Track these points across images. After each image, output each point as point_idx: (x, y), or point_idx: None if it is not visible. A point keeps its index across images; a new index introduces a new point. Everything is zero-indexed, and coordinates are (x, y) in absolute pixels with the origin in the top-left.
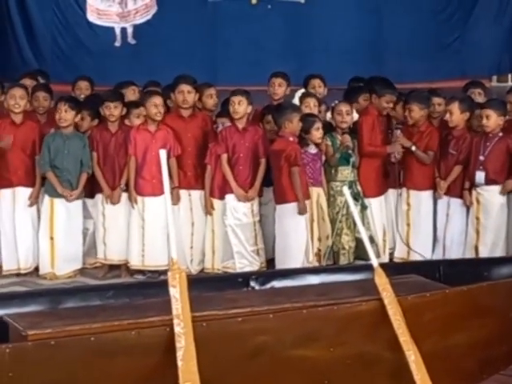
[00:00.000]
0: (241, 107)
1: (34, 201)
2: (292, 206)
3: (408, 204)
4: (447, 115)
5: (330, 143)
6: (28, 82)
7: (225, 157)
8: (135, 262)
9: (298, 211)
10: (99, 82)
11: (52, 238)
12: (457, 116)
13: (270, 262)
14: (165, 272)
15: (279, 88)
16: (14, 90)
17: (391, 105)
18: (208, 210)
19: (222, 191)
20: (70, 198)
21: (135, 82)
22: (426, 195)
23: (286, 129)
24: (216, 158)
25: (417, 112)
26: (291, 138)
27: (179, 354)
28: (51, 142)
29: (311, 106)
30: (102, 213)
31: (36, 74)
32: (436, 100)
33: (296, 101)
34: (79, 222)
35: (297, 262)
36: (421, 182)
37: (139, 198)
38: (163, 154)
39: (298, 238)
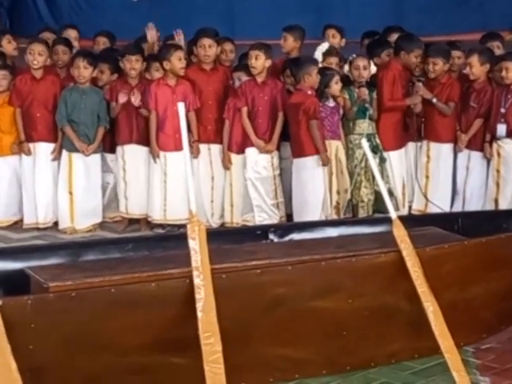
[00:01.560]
0: (258, 62)
1: (57, 156)
2: (309, 160)
3: (428, 156)
4: (467, 68)
5: (347, 97)
6: (48, 35)
7: (245, 110)
8: (157, 216)
9: (322, 163)
10: (117, 37)
11: (71, 193)
12: (477, 68)
13: (290, 216)
14: (184, 226)
15: (284, 42)
16: (33, 45)
17: (419, 59)
18: (226, 164)
19: (241, 145)
20: (87, 153)
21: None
22: (447, 148)
23: (305, 82)
24: (234, 112)
25: (440, 66)
26: (309, 92)
27: (199, 305)
28: (68, 96)
29: (334, 66)
30: (122, 167)
31: (61, 29)
32: (455, 53)
33: (318, 55)
34: (98, 177)
35: (314, 216)
36: (442, 134)
37: (161, 153)
38: (181, 107)
39: (315, 191)
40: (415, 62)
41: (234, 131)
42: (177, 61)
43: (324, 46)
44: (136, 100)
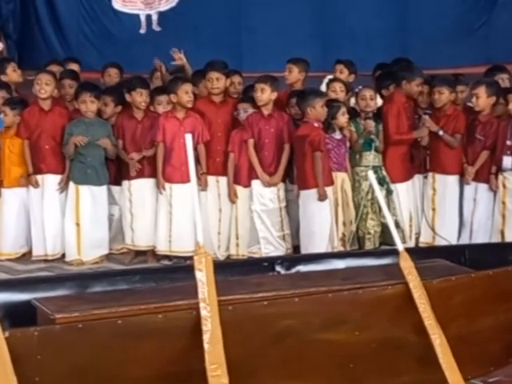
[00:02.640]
0: (264, 95)
1: (64, 187)
2: (315, 192)
3: (433, 188)
4: (473, 99)
5: (354, 129)
6: (55, 68)
7: (251, 142)
8: (162, 248)
9: (318, 197)
10: (125, 70)
11: (78, 225)
12: (483, 100)
13: (296, 248)
14: (191, 258)
15: (289, 74)
16: (40, 75)
17: (420, 88)
18: (231, 197)
19: (247, 178)
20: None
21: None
22: (453, 180)
23: (310, 115)
24: (240, 144)
25: (446, 95)
26: (316, 124)
27: (205, 337)
28: (74, 129)
29: (337, 91)
30: (128, 199)
31: (63, 61)
32: (459, 87)
33: (324, 87)
34: (104, 208)
35: (321, 248)
36: (448, 165)
37: (167, 185)
38: (189, 138)
39: (322, 223)
40: (417, 90)
41: (240, 164)
42: (184, 94)
43: (328, 77)
44: (148, 153)
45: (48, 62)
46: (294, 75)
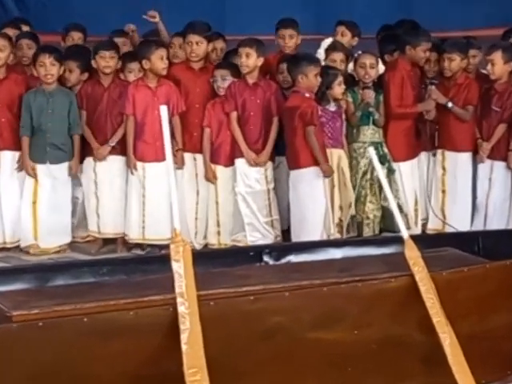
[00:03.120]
0: (249, 60)
1: (22, 166)
2: (308, 172)
3: (443, 168)
4: (488, 66)
5: (350, 100)
6: (10, 32)
7: (234, 115)
8: (134, 235)
9: (324, 174)
10: (90, 32)
11: (35, 203)
12: (500, 67)
13: (286, 233)
14: (166, 247)
15: (290, 40)
16: None
17: (428, 54)
18: (209, 178)
19: (229, 156)
20: (73, 172)
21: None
22: (465, 158)
23: (300, 83)
24: (218, 118)
25: (457, 62)
26: (307, 94)
27: (183, 337)
28: (32, 101)
29: (338, 62)
30: (93, 180)
31: (18, 23)
32: (471, 52)
33: (321, 52)
34: (67, 190)
35: (314, 235)
36: (459, 142)
37: (139, 164)
38: (164, 110)
39: (315, 207)
40: (423, 57)
41: (219, 140)
42: (158, 60)
43: (327, 42)
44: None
45: (2, 24)
46: (295, 41)
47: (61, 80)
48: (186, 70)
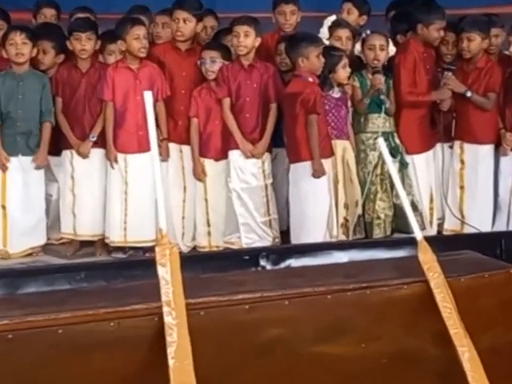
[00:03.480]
0: (248, 39)
1: None
2: (309, 165)
3: (462, 161)
4: (511, 47)
5: (358, 84)
6: None
7: (227, 101)
8: (115, 238)
9: (314, 173)
10: (65, 9)
11: (4, 207)
12: None
13: (285, 235)
14: (151, 249)
15: (292, 17)
16: None
17: (442, 33)
18: (198, 174)
19: (222, 148)
20: (38, 164)
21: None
22: (486, 150)
23: (301, 67)
24: (206, 106)
25: (478, 42)
26: (310, 79)
27: (170, 351)
28: (0, 85)
29: (343, 40)
30: (70, 175)
31: None
32: (493, 31)
33: (325, 31)
34: (40, 186)
35: (317, 236)
36: (479, 133)
37: (120, 156)
38: (149, 96)
39: (318, 205)
40: (437, 37)
41: (209, 131)
42: (134, 41)
43: (330, 20)
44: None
45: None
46: (296, 18)
47: (33, 63)
48: (170, 51)
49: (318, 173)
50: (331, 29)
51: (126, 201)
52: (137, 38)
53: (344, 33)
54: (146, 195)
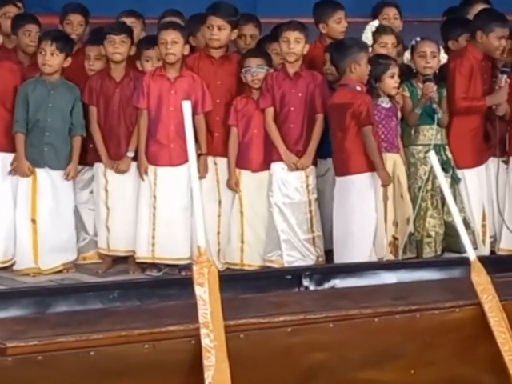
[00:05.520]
0: (298, 46)
1: (17, 168)
2: (358, 179)
3: None
4: None
5: (408, 94)
6: (12, 9)
7: (271, 111)
8: (142, 253)
9: (382, 182)
10: (96, 14)
11: (34, 221)
12: None
13: (329, 254)
14: (187, 267)
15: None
16: None
17: (503, 42)
18: (231, 185)
19: (263, 160)
20: (69, 178)
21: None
22: None
23: (351, 74)
24: (246, 115)
25: None
26: (359, 88)
27: (208, 375)
28: (30, 91)
29: (388, 46)
30: (104, 187)
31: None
32: None
33: (369, 37)
34: (69, 200)
35: (362, 255)
36: None
37: (151, 168)
38: (187, 105)
39: (363, 222)
40: (497, 46)
41: (247, 140)
42: (161, 45)
43: (373, 25)
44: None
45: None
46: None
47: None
48: (204, 59)
49: (385, 181)
50: (375, 34)
51: (154, 215)
52: (163, 43)
53: (390, 39)
54: (176, 210)
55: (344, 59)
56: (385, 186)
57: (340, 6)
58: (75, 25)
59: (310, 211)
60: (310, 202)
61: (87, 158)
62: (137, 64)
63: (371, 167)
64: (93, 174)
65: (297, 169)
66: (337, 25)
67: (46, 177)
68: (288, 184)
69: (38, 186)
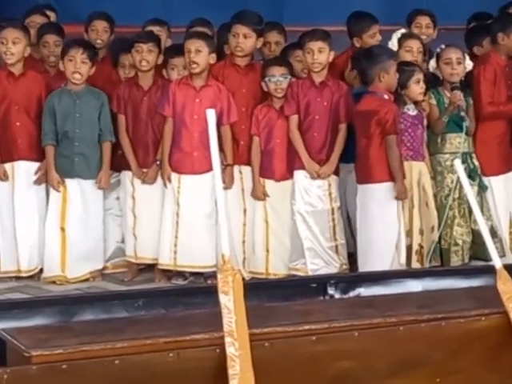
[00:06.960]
0: (322, 56)
1: (43, 178)
2: (380, 187)
3: None
4: None
5: (434, 102)
6: (39, 19)
7: (295, 119)
8: (165, 260)
9: (396, 194)
10: (120, 23)
11: (63, 230)
12: None
13: (353, 262)
14: (213, 275)
15: (376, 36)
16: (7, 31)
17: None
18: (258, 195)
19: (287, 169)
20: (101, 185)
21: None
22: None
23: (380, 83)
24: (268, 124)
25: None
26: (386, 96)
27: (233, 383)
28: (57, 102)
29: (414, 51)
30: (131, 195)
31: (44, 10)
32: None
33: (394, 43)
34: (99, 209)
35: (385, 263)
36: None
37: (174, 176)
38: (211, 114)
39: (385, 231)
40: None
41: (270, 149)
42: (186, 54)
43: (400, 31)
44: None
45: (28, 10)
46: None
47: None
48: (229, 68)
49: (401, 195)
50: (401, 40)
51: (177, 223)
52: (188, 51)
53: (415, 44)
54: (199, 218)
55: (373, 67)
56: (399, 199)
57: (375, 20)
58: (100, 31)
59: (333, 219)
60: (332, 210)
61: (114, 163)
62: (163, 72)
63: (395, 177)
64: (118, 179)
65: (318, 177)
66: (371, 39)
67: (77, 186)
68: (311, 192)
69: (68, 196)
